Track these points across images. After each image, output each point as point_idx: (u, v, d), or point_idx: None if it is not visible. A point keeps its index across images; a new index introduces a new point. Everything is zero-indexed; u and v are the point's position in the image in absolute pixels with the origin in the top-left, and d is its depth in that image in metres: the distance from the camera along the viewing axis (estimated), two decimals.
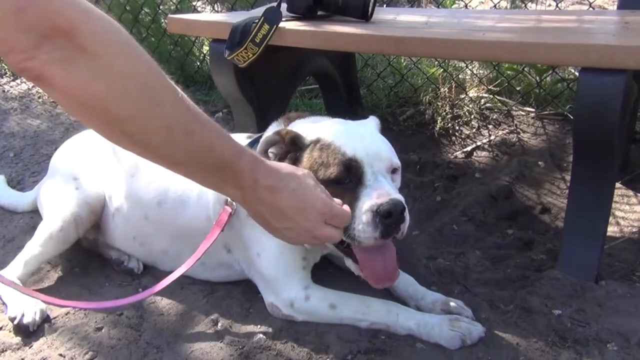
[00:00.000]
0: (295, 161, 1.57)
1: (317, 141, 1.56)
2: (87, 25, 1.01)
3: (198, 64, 4.03)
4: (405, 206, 1.47)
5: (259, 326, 1.71)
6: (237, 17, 2.16)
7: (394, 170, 1.57)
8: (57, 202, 2.02)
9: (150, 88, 1.11)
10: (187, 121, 1.18)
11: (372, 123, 1.74)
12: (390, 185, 1.51)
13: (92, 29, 1.01)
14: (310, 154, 1.55)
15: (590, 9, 2.75)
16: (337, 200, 1.44)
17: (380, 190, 1.46)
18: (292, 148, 1.58)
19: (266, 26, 2.00)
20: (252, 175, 1.30)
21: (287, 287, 1.70)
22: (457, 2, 3.76)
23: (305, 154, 1.56)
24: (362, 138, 1.57)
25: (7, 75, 4.72)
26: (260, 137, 1.75)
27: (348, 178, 1.49)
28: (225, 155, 1.26)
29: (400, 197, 1.48)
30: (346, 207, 1.44)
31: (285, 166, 1.40)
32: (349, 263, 1.59)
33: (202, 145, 1.22)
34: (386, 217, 1.42)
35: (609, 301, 1.68)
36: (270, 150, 1.60)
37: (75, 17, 1.00)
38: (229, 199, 1.71)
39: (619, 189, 2.39)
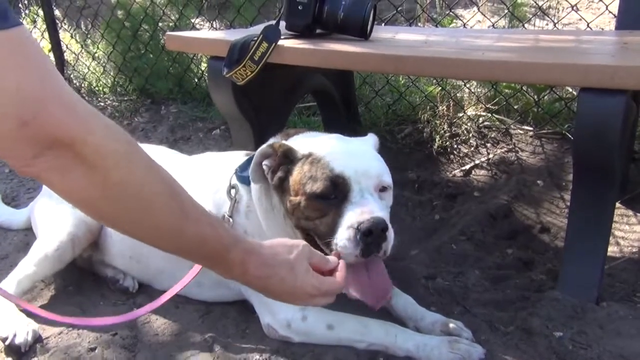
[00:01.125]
0: (287, 173, 1.58)
1: (308, 155, 1.56)
2: (88, 137, 1.04)
3: (196, 80, 4.03)
4: (389, 225, 1.45)
5: (255, 347, 1.68)
6: (236, 35, 2.16)
7: (383, 189, 1.56)
8: (53, 221, 1.99)
9: (142, 195, 1.16)
10: (178, 223, 1.22)
11: (370, 141, 1.74)
12: (376, 203, 1.50)
13: (92, 141, 1.05)
14: (301, 168, 1.55)
15: (588, 29, 2.76)
16: (332, 258, 1.43)
17: (364, 208, 1.45)
18: (284, 161, 1.59)
19: (265, 44, 2.00)
20: (243, 266, 1.32)
21: (284, 308, 1.67)
22: (454, 21, 3.77)
23: (296, 167, 1.56)
24: (353, 155, 1.57)
25: None
26: None
27: (334, 194, 1.49)
28: (217, 248, 1.29)
29: (383, 215, 1.47)
30: (339, 275, 1.40)
31: (279, 250, 1.37)
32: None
33: (192, 240, 1.26)
34: (367, 234, 1.41)
35: (610, 323, 1.66)
36: (264, 162, 1.61)
37: (76, 129, 1.03)
38: (226, 215, 1.70)
39: (619, 209, 2.38)
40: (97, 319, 1.70)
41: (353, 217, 1.44)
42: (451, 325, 1.66)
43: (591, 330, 1.64)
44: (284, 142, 1.65)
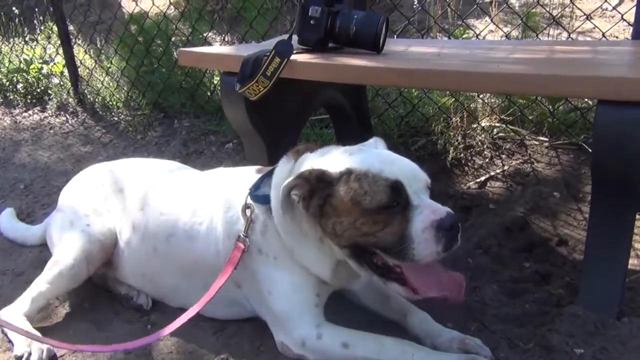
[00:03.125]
0: (328, 197, 1.54)
1: (349, 172, 1.53)
2: None
3: (209, 94, 4.04)
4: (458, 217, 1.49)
5: None
6: (248, 50, 2.16)
7: (428, 188, 1.57)
8: (68, 239, 1.99)
9: None
10: None
11: (381, 144, 1.74)
12: (433, 201, 1.51)
13: None
14: (348, 186, 1.51)
15: (604, 39, 2.73)
16: None
17: (432, 207, 1.48)
18: (319, 186, 1.54)
19: (277, 59, 1.99)
20: None
21: (299, 325, 1.65)
22: (467, 31, 3.75)
23: (339, 188, 1.52)
24: (393, 162, 1.56)
25: (20, 106, 4.77)
26: (271, 171, 1.73)
27: (396, 201, 1.48)
28: None
29: (450, 209, 1.49)
30: None
31: None
32: (394, 287, 1.56)
33: None
34: (449, 230, 1.44)
35: (632, 339, 1.62)
36: (292, 193, 1.56)
37: None
38: (241, 235, 1.69)
39: (638, 220, 2.34)
40: (113, 345, 1.70)
41: (426, 218, 1.45)
42: (469, 342, 1.63)
43: (613, 347, 1.60)
44: (308, 165, 1.62)
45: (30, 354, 1.72)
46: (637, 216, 2.32)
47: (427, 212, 1.46)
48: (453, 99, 3.13)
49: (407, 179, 1.50)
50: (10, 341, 1.81)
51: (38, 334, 1.79)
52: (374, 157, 1.58)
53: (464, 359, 1.54)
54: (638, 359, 1.55)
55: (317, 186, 1.54)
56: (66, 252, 1.96)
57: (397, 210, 1.48)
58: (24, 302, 1.90)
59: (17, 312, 1.87)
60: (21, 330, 1.74)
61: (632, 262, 2.12)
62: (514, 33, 3.64)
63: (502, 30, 3.53)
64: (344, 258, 1.61)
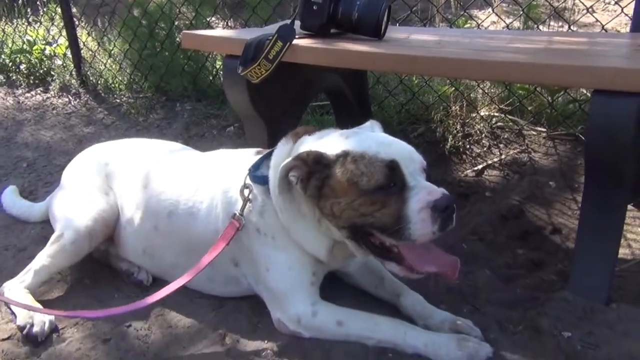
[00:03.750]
0: (325, 179, 1.57)
1: (345, 154, 1.56)
2: None
3: (211, 78, 4.07)
4: (454, 197, 1.52)
5: (266, 342, 1.71)
6: (251, 34, 2.18)
7: (423, 169, 1.60)
8: (70, 215, 2.03)
9: None
10: None
11: (377, 127, 1.77)
12: (429, 183, 1.55)
13: None
14: (344, 168, 1.54)
15: (603, 31, 2.75)
16: None
17: (429, 188, 1.51)
18: (317, 167, 1.58)
19: (279, 43, 2.02)
20: None
21: (295, 303, 1.70)
22: (469, 21, 3.77)
23: (336, 170, 1.56)
24: (389, 144, 1.60)
25: (22, 86, 4.79)
26: (270, 152, 1.77)
27: (392, 182, 1.51)
28: None
29: (445, 190, 1.52)
30: None
31: None
32: (391, 267, 1.61)
33: None
34: (444, 210, 1.47)
35: (619, 324, 1.67)
36: (291, 174, 1.59)
37: None
38: (237, 213, 1.72)
39: (632, 211, 2.38)
40: (104, 310, 1.76)
41: (423, 198, 1.48)
42: (460, 323, 1.67)
43: (600, 331, 1.65)
44: (305, 147, 1.65)
45: (32, 325, 1.75)
46: (630, 207, 2.38)
47: (423, 192, 1.49)
48: (453, 88, 3.16)
49: (403, 160, 1.53)
50: (13, 313, 1.85)
51: (40, 306, 1.84)
52: (370, 139, 1.61)
53: (455, 339, 1.59)
54: (624, 343, 1.59)
55: (315, 168, 1.57)
56: (68, 227, 1.99)
57: (393, 190, 1.51)
58: (26, 275, 1.94)
59: (20, 285, 1.91)
60: (22, 304, 1.79)
61: (624, 252, 2.16)
62: (516, 24, 3.66)
63: (504, 21, 3.54)
64: (342, 239, 1.64)
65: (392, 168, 1.51)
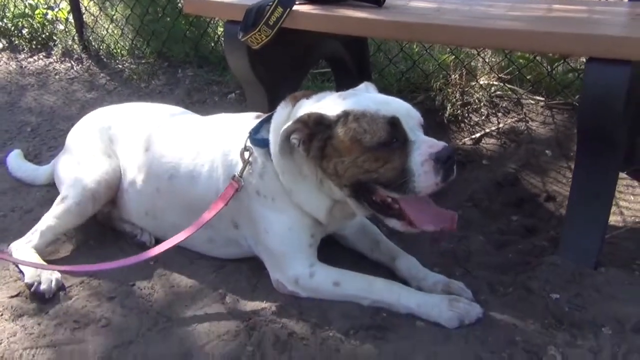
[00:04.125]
0: (327, 139, 1.61)
1: (346, 114, 1.60)
2: None
3: (212, 44, 4.06)
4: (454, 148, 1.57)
5: (265, 301, 1.77)
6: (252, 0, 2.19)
7: (421, 125, 1.65)
8: (75, 177, 2.08)
9: None
10: None
11: (371, 88, 1.82)
12: (428, 137, 1.60)
13: None
14: (347, 127, 1.58)
15: None
16: None
17: (429, 142, 1.56)
18: (318, 129, 1.62)
19: (280, 9, 2.03)
20: None
21: (293, 264, 1.75)
22: None
23: (338, 129, 1.60)
24: (387, 102, 1.64)
25: (25, 51, 4.78)
26: (270, 116, 1.80)
27: (395, 137, 1.56)
28: None
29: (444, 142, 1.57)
30: None
31: None
32: (392, 223, 1.65)
33: None
34: (445, 161, 1.52)
35: (606, 287, 1.72)
36: (292, 137, 1.63)
37: None
38: (237, 174, 1.77)
39: (625, 179, 2.42)
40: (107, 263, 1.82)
41: (424, 151, 1.53)
42: (452, 285, 1.73)
43: (587, 293, 1.70)
44: (305, 110, 1.68)
45: (40, 282, 1.82)
46: (624, 175, 2.41)
47: (424, 146, 1.54)
48: (453, 57, 3.16)
49: (402, 117, 1.58)
50: (21, 271, 1.91)
51: (47, 265, 1.91)
52: (368, 99, 1.66)
53: (447, 299, 1.65)
54: (611, 305, 1.65)
55: (316, 129, 1.61)
56: (73, 189, 2.05)
57: (396, 146, 1.56)
58: (33, 235, 2.00)
59: (27, 245, 1.98)
60: (29, 263, 1.85)
61: (616, 219, 2.21)
62: None
63: None
64: (343, 198, 1.69)
65: (394, 124, 1.56)
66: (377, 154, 1.56)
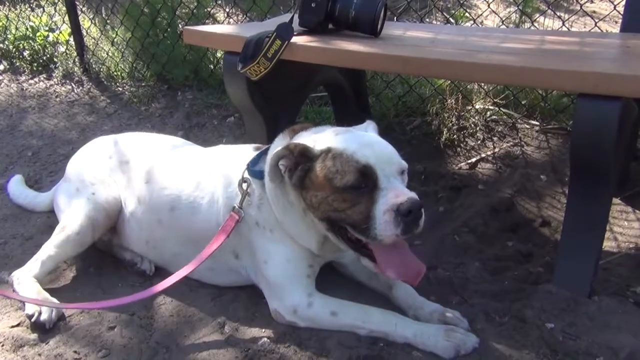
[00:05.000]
0: (307, 171, 1.65)
1: (327, 151, 1.64)
2: None
3: (212, 68, 4.11)
4: (421, 203, 1.56)
5: (263, 330, 1.80)
6: (251, 30, 2.24)
7: (402, 172, 1.66)
8: (75, 206, 2.11)
9: None
10: None
11: (371, 128, 1.83)
12: (402, 185, 1.61)
13: None
14: (324, 164, 1.63)
15: (596, 28, 2.79)
16: None
17: (397, 191, 1.56)
18: (302, 159, 1.66)
19: (278, 42, 2.07)
20: None
21: (291, 294, 1.78)
22: (468, 11, 3.80)
23: (317, 164, 1.64)
24: (370, 145, 1.66)
25: (26, 73, 4.83)
26: (268, 148, 1.84)
27: (364, 183, 1.58)
28: None
29: (415, 195, 1.57)
30: None
31: None
32: (365, 262, 1.68)
33: None
34: (406, 215, 1.53)
35: (600, 316, 1.74)
36: (280, 162, 1.68)
37: None
38: (236, 206, 1.80)
39: (618, 205, 2.45)
40: (110, 300, 1.83)
41: (389, 201, 1.55)
42: (448, 314, 1.75)
43: (581, 322, 1.72)
44: (298, 141, 1.73)
45: (40, 313, 1.84)
46: (618, 201, 2.44)
47: (390, 195, 1.56)
48: (449, 81, 3.21)
49: (379, 163, 1.60)
50: (21, 301, 1.93)
51: (47, 295, 1.93)
52: (354, 138, 1.68)
53: (443, 329, 1.67)
54: (604, 334, 1.67)
55: (300, 160, 1.66)
56: (73, 218, 2.07)
57: (365, 191, 1.58)
58: (34, 265, 2.02)
59: (28, 274, 2.00)
60: (32, 300, 1.86)
61: (610, 245, 2.24)
62: (513, 17, 3.69)
63: (498, 15, 3.57)
64: (324, 231, 1.72)
65: (364, 171, 1.58)
66: (346, 196, 1.59)
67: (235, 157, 1.93)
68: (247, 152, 1.93)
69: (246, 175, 1.82)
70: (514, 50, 1.99)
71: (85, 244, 2.10)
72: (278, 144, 1.81)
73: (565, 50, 1.98)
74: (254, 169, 1.82)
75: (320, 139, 1.71)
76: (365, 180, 1.58)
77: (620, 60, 1.84)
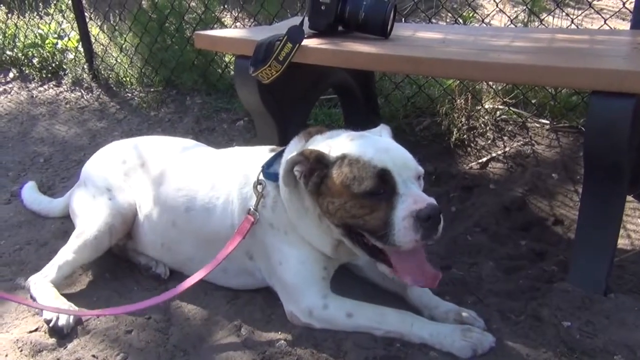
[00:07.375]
0: (323, 178, 1.65)
1: (343, 157, 1.63)
2: None
3: (220, 72, 4.13)
4: (440, 209, 1.56)
5: (279, 332, 1.80)
6: (261, 34, 2.25)
7: (418, 177, 1.66)
8: (91, 212, 2.13)
9: None
10: None
11: (385, 132, 1.83)
12: (420, 190, 1.60)
13: None
14: (340, 170, 1.62)
15: (605, 25, 2.79)
16: None
17: (416, 197, 1.56)
18: (318, 166, 1.65)
19: (289, 45, 2.09)
20: None
21: (307, 296, 1.78)
22: (476, 11, 3.80)
23: (333, 171, 1.63)
24: (387, 150, 1.65)
25: (35, 80, 4.87)
26: (283, 150, 1.85)
27: (382, 188, 1.58)
28: None
29: (434, 200, 1.56)
30: None
31: None
32: (382, 268, 1.68)
33: None
34: (426, 220, 1.52)
35: (616, 314, 1.74)
36: (295, 168, 1.68)
37: None
38: (252, 208, 1.81)
39: (631, 203, 2.44)
40: (126, 306, 1.84)
41: (408, 207, 1.54)
42: (464, 314, 1.75)
43: (598, 320, 1.72)
44: (313, 146, 1.73)
45: (58, 318, 1.85)
46: (631, 198, 2.44)
47: (409, 201, 1.55)
48: (458, 81, 3.21)
49: (397, 168, 1.59)
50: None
51: (65, 300, 1.94)
52: (370, 144, 1.67)
53: (459, 329, 1.67)
54: (620, 332, 1.67)
55: (316, 166, 1.65)
56: (90, 223, 2.09)
57: (383, 196, 1.58)
58: (51, 270, 2.03)
59: (45, 279, 2.01)
60: (50, 308, 1.87)
61: (624, 242, 2.23)
62: (521, 16, 3.69)
63: (506, 15, 3.57)
64: (339, 237, 1.72)
65: (383, 175, 1.57)
66: (364, 202, 1.58)
67: (251, 158, 1.94)
68: (262, 153, 1.94)
69: (261, 177, 1.83)
70: (525, 49, 1.99)
71: (102, 249, 2.11)
72: (293, 148, 1.81)
73: (577, 48, 1.98)
74: (269, 171, 1.82)
75: (335, 144, 1.71)
76: (384, 186, 1.57)
77: (632, 58, 1.84)
